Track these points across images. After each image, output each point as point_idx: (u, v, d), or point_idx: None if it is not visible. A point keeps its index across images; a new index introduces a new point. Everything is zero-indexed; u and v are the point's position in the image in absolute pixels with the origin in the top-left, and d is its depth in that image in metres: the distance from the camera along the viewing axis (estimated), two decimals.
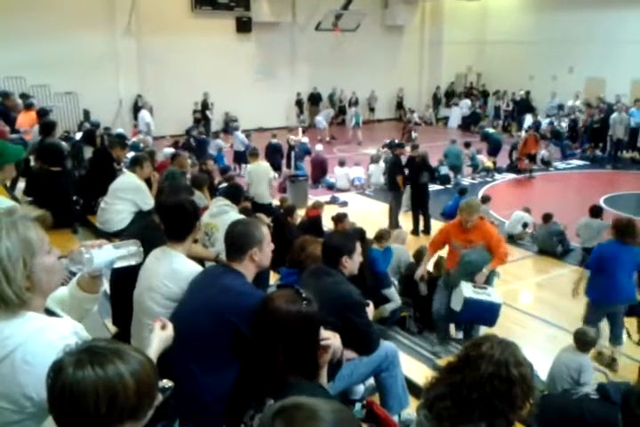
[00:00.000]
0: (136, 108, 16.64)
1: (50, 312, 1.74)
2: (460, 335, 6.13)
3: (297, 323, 1.84)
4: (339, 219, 7.47)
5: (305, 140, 14.24)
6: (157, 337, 1.92)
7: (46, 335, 1.54)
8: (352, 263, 3.14)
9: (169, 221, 2.89)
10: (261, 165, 9.62)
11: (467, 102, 21.05)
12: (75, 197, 6.66)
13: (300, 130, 15.43)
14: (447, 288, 5.67)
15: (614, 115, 15.14)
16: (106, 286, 3.66)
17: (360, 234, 6.37)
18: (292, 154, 13.70)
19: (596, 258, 5.58)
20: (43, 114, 8.80)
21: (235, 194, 5.31)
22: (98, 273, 1.91)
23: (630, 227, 5.35)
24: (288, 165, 13.63)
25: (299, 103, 20.58)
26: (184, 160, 7.54)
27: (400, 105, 22.75)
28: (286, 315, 1.84)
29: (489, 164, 14.36)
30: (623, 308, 5.56)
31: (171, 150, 10.36)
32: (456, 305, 5.39)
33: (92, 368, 1.18)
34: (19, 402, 1.50)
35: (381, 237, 6.56)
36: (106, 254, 1.84)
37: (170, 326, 1.98)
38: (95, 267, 1.83)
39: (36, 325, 1.56)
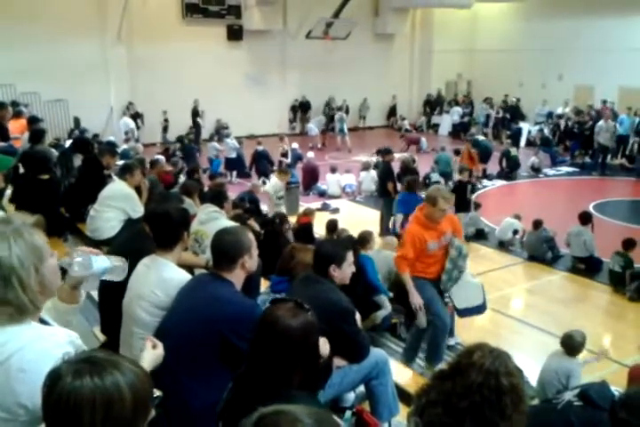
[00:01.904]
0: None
1: (42, 321, 1.73)
2: (452, 342, 6.10)
3: (308, 334, 1.88)
4: (333, 226, 7.49)
5: (295, 146, 14.25)
6: (148, 356, 1.93)
7: (42, 343, 1.53)
8: (341, 273, 3.08)
9: (156, 230, 2.88)
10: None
11: (457, 110, 21.15)
12: (62, 208, 6.60)
13: (286, 138, 15.34)
14: (437, 289, 4.92)
15: (600, 122, 15.22)
16: (94, 295, 3.65)
17: (353, 243, 6.34)
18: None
19: (400, 203, 9.10)
20: (33, 121, 8.75)
21: (217, 198, 5.17)
22: (87, 277, 1.93)
23: (416, 183, 9.16)
24: None
25: (294, 109, 20.62)
26: (161, 168, 7.60)
27: (393, 112, 22.80)
28: (298, 331, 1.86)
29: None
30: None
31: (161, 158, 10.35)
32: (472, 300, 4.89)
33: (90, 378, 1.17)
34: (11, 410, 1.48)
35: (364, 240, 6.21)
36: (101, 262, 1.93)
37: (160, 346, 1.99)
38: (93, 271, 1.90)
39: (33, 333, 1.56)
